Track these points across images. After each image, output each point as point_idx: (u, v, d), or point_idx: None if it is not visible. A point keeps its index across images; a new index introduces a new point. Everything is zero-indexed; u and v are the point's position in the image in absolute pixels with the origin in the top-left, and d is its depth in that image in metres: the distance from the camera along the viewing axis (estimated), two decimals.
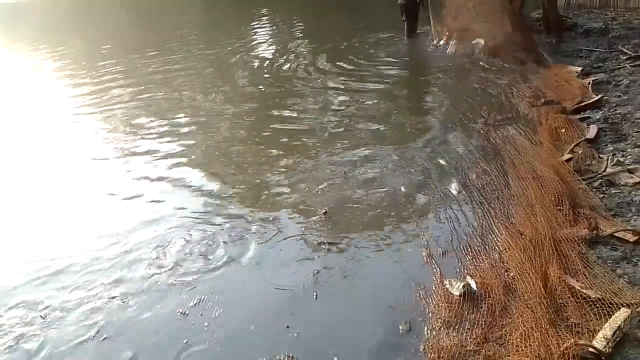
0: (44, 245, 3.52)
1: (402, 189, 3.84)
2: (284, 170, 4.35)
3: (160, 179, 4.44)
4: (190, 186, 4.25)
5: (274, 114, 5.80)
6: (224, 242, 3.36)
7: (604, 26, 7.00)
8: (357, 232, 3.35)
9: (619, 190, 3.26)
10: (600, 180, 3.40)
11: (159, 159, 4.85)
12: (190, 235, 3.46)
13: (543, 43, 6.67)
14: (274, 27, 11.68)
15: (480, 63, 6.47)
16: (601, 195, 3.26)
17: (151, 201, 4.03)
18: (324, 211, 3.61)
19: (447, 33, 7.48)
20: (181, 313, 2.73)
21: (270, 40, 10.14)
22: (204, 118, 5.88)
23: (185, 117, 6.01)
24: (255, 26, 11.64)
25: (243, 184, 4.22)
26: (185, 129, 5.61)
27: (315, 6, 14.10)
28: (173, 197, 4.09)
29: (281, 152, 4.72)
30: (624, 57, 5.65)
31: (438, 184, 3.84)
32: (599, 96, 4.70)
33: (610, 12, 7.84)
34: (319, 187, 3.96)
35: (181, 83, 7.42)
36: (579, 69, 5.53)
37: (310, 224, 3.51)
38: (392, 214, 3.52)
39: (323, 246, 3.23)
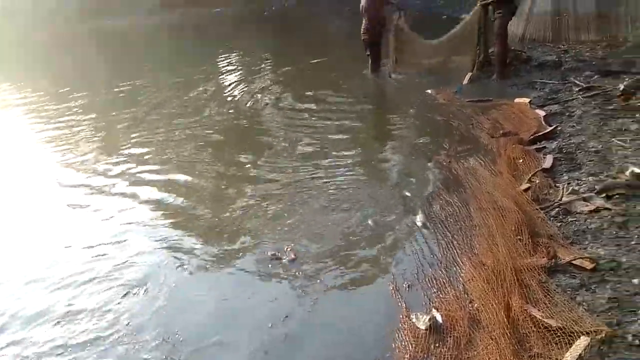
0: None
1: (370, 222, 3.86)
2: (249, 203, 4.34)
3: (120, 212, 4.39)
4: (152, 221, 4.22)
5: (240, 148, 5.82)
6: (185, 278, 3.32)
7: (557, 59, 7.32)
8: (322, 268, 3.34)
9: (575, 219, 3.37)
10: (557, 209, 3.50)
11: (118, 195, 4.80)
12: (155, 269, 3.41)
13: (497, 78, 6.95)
14: (240, 61, 11.81)
15: (442, 96, 6.67)
16: (559, 224, 3.35)
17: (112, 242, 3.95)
18: (289, 248, 3.61)
19: (408, 66, 7.81)
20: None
21: (236, 73, 10.18)
22: (169, 150, 5.88)
23: (149, 149, 5.99)
24: (222, 60, 11.73)
25: (209, 218, 4.21)
26: (149, 162, 5.58)
27: (281, 40, 14.40)
28: (134, 232, 4.05)
29: (247, 186, 4.73)
30: (577, 89, 5.90)
31: (403, 217, 3.88)
32: (554, 126, 4.89)
33: (563, 46, 8.22)
34: (284, 222, 3.96)
35: (148, 117, 7.39)
36: (528, 100, 5.75)
37: (275, 260, 3.49)
38: (357, 248, 3.54)
39: (287, 282, 3.23)
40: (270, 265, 3.42)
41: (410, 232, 3.66)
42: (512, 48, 7.70)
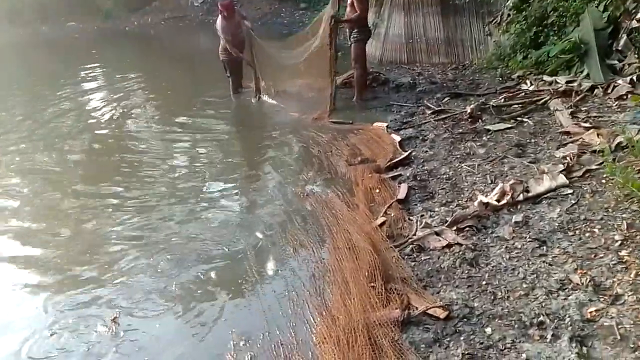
0: None
1: (212, 275, 3.38)
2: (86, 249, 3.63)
3: None
4: None
5: (95, 176, 5.12)
6: None
7: (412, 81, 7.47)
8: (150, 341, 2.79)
9: (428, 256, 3.19)
10: (411, 246, 3.31)
11: None
12: None
13: (357, 100, 6.89)
14: (100, 80, 10.77)
15: (303, 120, 6.42)
16: (412, 263, 3.16)
17: None
18: (113, 317, 2.98)
19: (271, 90, 7.48)
20: None
21: (96, 93, 9.29)
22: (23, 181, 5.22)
23: None
24: (81, 79, 10.59)
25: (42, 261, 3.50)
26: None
27: (144, 57, 13.44)
28: None
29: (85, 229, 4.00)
30: (429, 112, 5.99)
31: (253, 264, 3.44)
32: (408, 152, 4.82)
33: (417, 68, 8.49)
34: (117, 279, 3.35)
35: None
36: (385, 124, 5.70)
37: (97, 334, 2.87)
38: (195, 307, 3.05)
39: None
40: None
41: (258, 284, 3.23)
42: (371, 70, 7.77)
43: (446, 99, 6.42)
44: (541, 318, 2.45)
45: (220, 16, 7.29)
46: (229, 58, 7.59)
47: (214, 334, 2.83)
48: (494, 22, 8.00)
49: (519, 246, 3.09)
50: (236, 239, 3.78)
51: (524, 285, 2.74)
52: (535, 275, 2.80)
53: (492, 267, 2.96)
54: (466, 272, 2.95)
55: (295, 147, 5.67)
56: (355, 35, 6.70)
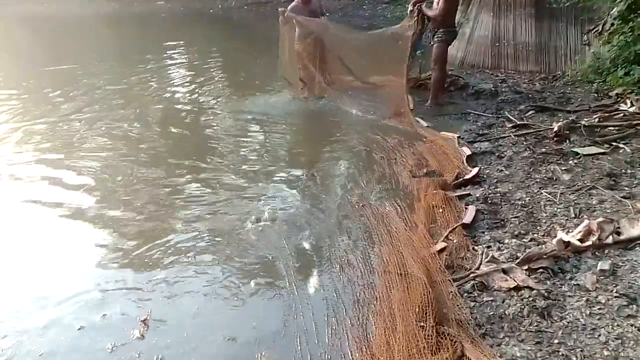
0: None
1: (251, 284, 3.16)
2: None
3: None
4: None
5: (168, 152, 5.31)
6: None
7: (493, 88, 6.90)
8: (174, 351, 2.61)
9: (491, 298, 2.79)
10: (472, 282, 2.92)
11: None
12: None
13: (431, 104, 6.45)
14: (183, 58, 11.33)
15: (369, 121, 6.08)
16: (472, 303, 2.76)
17: None
18: (144, 318, 2.85)
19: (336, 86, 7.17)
20: None
21: (181, 71, 9.84)
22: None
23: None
24: (164, 55, 11.16)
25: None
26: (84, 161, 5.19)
27: (225, 40, 13.63)
28: None
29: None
30: (510, 125, 5.45)
31: (294, 278, 3.19)
32: (477, 170, 4.34)
33: (501, 74, 7.85)
34: (155, 270, 3.21)
35: (85, 117, 6.70)
36: (456, 135, 5.22)
37: (125, 334, 2.73)
38: (225, 320, 2.84)
39: None
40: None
41: (297, 302, 2.96)
42: (450, 72, 7.28)
43: (530, 112, 5.84)
44: None
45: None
46: (302, 51, 7.38)
47: (242, 353, 2.60)
48: (594, 30, 7.18)
49: (603, 301, 2.62)
50: (281, 246, 3.53)
51: (605, 353, 2.29)
52: (620, 342, 2.34)
53: (568, 322, 2.51)
54: (535, 324, 2.53)
55: (357, 150, 5.33)
56: (440, 35, 6.25)
